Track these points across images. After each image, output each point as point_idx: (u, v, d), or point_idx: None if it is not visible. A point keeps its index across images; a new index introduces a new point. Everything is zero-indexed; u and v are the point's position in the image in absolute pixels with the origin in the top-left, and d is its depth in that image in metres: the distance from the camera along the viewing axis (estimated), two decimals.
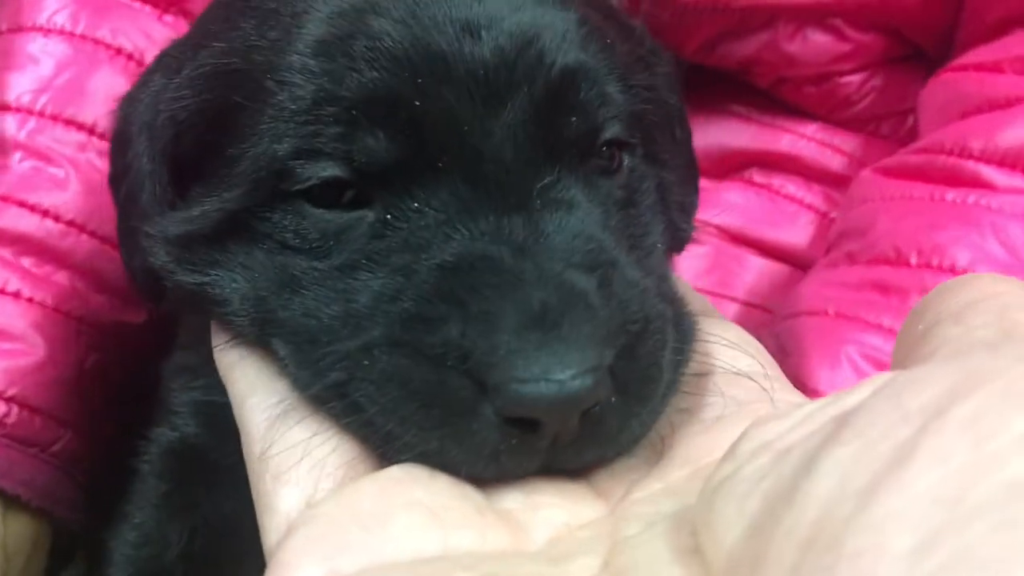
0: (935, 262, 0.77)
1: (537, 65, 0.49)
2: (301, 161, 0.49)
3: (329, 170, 0.49)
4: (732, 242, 0.98)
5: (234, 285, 0.52)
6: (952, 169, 0.83)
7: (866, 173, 0.91)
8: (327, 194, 0.50)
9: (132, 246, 0.60)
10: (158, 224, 0.56)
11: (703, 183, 0.99)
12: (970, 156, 0.82)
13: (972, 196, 0.80)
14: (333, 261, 0.50)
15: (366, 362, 0.46)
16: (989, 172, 0.81)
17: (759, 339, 0.56)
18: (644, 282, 0.49)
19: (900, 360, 0.40)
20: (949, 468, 0.25)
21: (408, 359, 0.45)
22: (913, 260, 0.78)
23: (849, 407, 0.31)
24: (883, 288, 0.78)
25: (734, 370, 0.50)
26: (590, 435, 0.44)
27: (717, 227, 0.98)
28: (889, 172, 0.88)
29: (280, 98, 0.49)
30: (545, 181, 0.49)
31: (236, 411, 0.50)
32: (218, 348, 0.55)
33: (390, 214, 0.49)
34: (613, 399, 0.44)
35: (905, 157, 0.87)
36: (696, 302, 0.58)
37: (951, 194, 0.81)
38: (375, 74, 0.48)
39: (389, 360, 0.45)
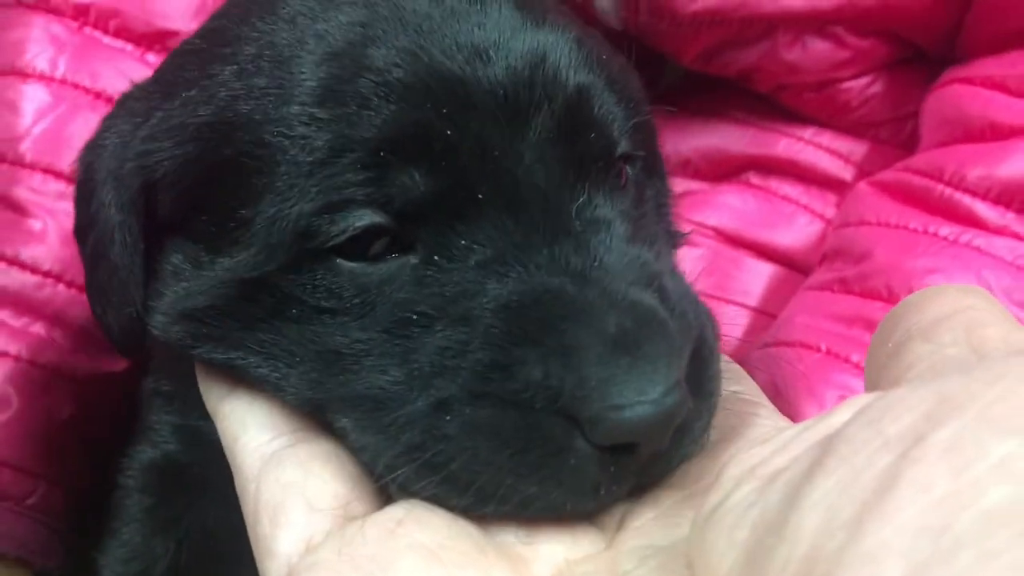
0: None
1: (552, 84, 0.49)
2: (329, 215, 0.46)
3: (366, 218, 0.46)
4: (729, 244, 0.98)
5: (275, 367, 0.49)
6: (948, 201, 0.84)
7: (863, 187, 0.91)
8: (360, 246, 0.47)
9: (105, 301, 0.56)
10: (165, 296, 0.52)
11: (700, 186, 1.01)
12: (966, 189, 0.83)
13: (966, 235, 0.82)
14: (378, 321, 0.47)
15: (448, 417, 0.44)
16: (983, 209, 0.83)
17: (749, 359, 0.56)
18: (684, 287, 0.50)
19: (872, 378, 0.41)
20: (932, 497, 0.26)
21: (492, 409, 0.43)
22: None
23: (830, 431, 0.31)
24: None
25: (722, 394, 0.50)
26: (676, 443, 0.45)
27: (714, 229, 0.98)
28: (887, 189, 0.89)
29: (292, 153, 0.47)
30: (579, 201, 0.48)
31: (227, 449, 0.49)
32: (204, 380, 0.53)
33: (437, 255, 0.47)
34: (691, 405, 0.44)
35: (905, 176, 0.88)
36: None
37: (946, 229, 0.83)
38: (394, 108, 0.46)
39: (472, 413, 0.44)
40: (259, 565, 0.44)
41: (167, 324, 0.52)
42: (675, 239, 0.63)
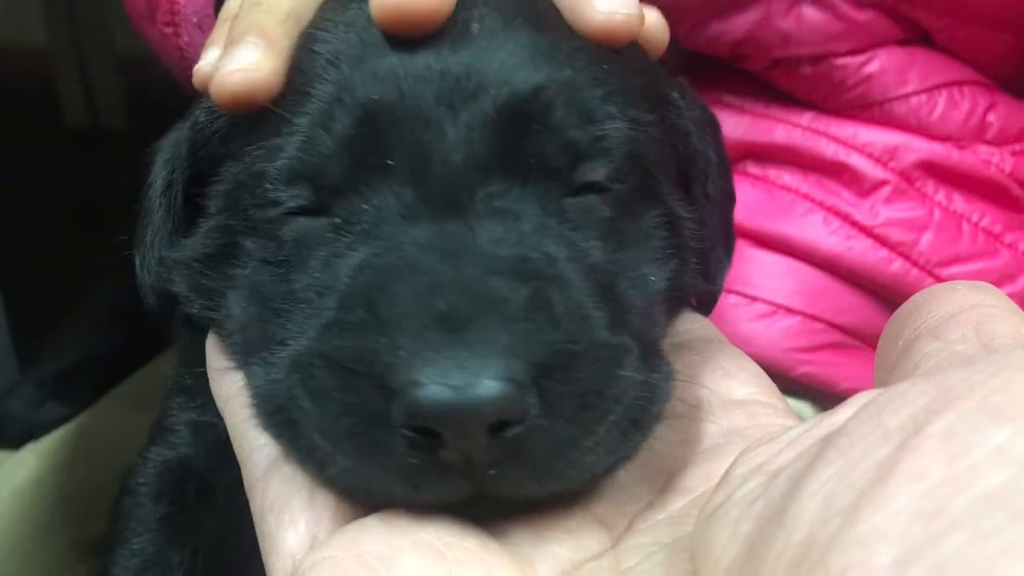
0: None
1: (512, 73, 0.48)
2: (269, 181, 0.49)
3: (296, 199, 0.48)
4: None
5: (233, 312, 0.52)
6: None
7: None
8: (297, 203, 0.49)
9: (142, 259, 0.59)
10: (174, 249, 0.56)
11: None
12: None
13: None
14: (299, 278, 0.48)
15: (296, 375, 0.44)
16: None
17: None
18: (598, 310, 0.45)
19: (882, 376, 0.41)
20: (927, 484, 0.27)
21: (326, 369, 0.42)
22: None
23: (834, 428, 0.32)
24: None
25: (732, 399, 0.50)
26: (514, 461, 0.40)
27: None
28: None
29: (256, 121, 0.50)
30: (492, 189, 0.46)
31: (235, 445, 0.50)
32: (214, 375, 0.54)
33: (346, 218, 0.47)
34: (541, 422, 0.40)
35: None
36: (700, 327, 0.57)
37: None
38: (342, 74, 0.48)
39: (310, 373, 0.43)
40: (265, 563, 0.44)
41: (174, 277, 0.55)
42: (691, 286, 0.56)
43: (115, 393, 1.12)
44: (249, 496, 0.47)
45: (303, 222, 0.49)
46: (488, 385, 0.38)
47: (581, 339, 0.43)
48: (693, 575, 0.35)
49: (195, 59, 0.55)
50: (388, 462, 0.41)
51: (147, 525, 0.68)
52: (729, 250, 0.62)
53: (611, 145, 0.50)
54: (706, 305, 0.59)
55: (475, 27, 0.50)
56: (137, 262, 0.60)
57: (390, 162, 0.47)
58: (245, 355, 0.51)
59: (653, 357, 0.47)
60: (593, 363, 0.43)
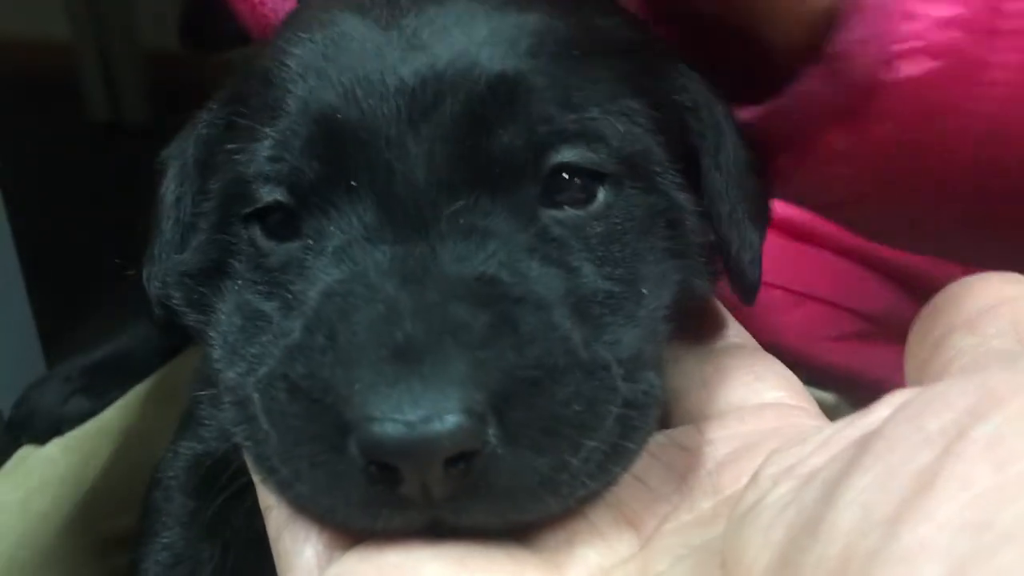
0: None
1: (467, 73, 0.46)
2: (250, 185, 0.48)
3: (273, 193, 0.48)
4: None
5: (220, 319, 0.51)
6: None
7: None
8: (277, 223, 0.48)
9: (149, 270, 0.59)
10: (173, 259, 0.55)
11: None
12: None
13: None
14: (281, 298, 0.48)
15: (257, 395, 0.44)
16: None
17: None
18: (576, 330, 0.43)
19: (914, 372, 0.39)
20: (974, 493, 0.25)
21: (285, 393, 0.42)
22: None
23: (869, 429, 0.31)
24: None
25: (762, 402, 0.49)
26: (474, 491, 0.39)
27: None
28: None
29: (241, 123, 0.50)
30: (457, 206, 0.44)
31: (250, 466, 0.49)
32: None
33: (313, 239, 0.47)
34: (499, 452, 0.39)
35: None
36: (734, 334, 0.56)
37: None
38: (308, 87, 0.48)
39: (271, 394, 0.43)
40: None
41: (172, 287, 0.55)
42: (698, 283, 0.52)
43: (142, 388, 1.12)
44: (265, 517, 0.47)
45: (283, 248, 0.48)
46: (444, 419, 0.37)
47: (547, 363, 0.41)
48: None
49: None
50: (345, 493, 0.40)
51: (178, 519, 0.68)
52: (760, 226, 0.56)
53: (590, 133, 0.47)
54: (746, 294, 0.56)
55: (426, 33, 0.48)
56: (144, 275, 0.59)
57: (354, 183, 0.46)
58: (226, 365, 0.50)
59: (640, 372, 0.45)
60: (560, 387, 0.41)
